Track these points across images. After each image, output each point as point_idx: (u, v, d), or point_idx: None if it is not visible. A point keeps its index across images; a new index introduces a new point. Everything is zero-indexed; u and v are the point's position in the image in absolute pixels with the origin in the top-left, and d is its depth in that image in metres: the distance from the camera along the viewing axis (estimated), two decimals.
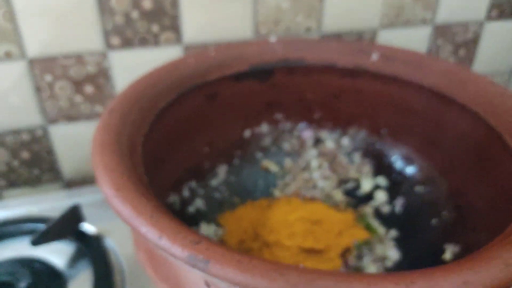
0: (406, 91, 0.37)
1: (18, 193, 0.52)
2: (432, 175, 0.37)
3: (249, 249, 0.34)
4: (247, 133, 0.41)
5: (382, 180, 0.39)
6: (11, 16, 0.42)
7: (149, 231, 0.19)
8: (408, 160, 0.39)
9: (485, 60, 0.62)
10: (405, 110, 0.38)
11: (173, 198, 0.35)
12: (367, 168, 0.40)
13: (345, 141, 0.41)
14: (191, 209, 0.36)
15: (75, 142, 0.51)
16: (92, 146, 0.26)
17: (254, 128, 0.41)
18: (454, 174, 0.36)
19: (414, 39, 0.55)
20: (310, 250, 0.33)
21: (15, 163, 0.50)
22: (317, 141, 0.41)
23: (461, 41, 0.58)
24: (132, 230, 0.21)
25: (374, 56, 0.38)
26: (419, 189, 0.38)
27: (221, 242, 0.34)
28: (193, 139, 0.37)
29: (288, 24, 0.49)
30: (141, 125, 0.30)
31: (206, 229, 0.35)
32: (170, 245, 0.19)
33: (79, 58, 0.46)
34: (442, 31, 0.56)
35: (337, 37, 0.52)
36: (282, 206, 0.37)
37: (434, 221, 0.36)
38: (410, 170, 0.39)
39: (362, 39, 0.51)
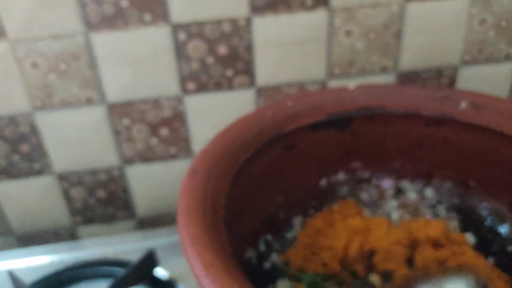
0: (498, 143, 0.35)
1: (93, 230, 0.54)
2: None
3: None
4: (323, 182, 0.39)
5: (470, 237, 0.36)
6: (93, 64, 0.44)
7: None
8: (500, 217, 0.36)
9: None
10: (498, 163, 0.35)
11: (250, 253, 0.34)
12: (454, 223, 0.37)
13: (429, 192, 0.39)
14: (267, 264, 0.35)
15: (150, 182, 0.52)
16: (178, 213, 0.26)
17: (330, 177, 0.39)
18: None
19: (498, 75, 0.52)
20: None
21: (92, 201, 0.52)
22: (398, 192, 0.39)
23: None
24: None
25: (463, 104, 0.36)
26: None
27: None
28: (269, 190, 0.37)
29: (363, 64, 0.48)
30: (223, 185, 0.29)
31: (283, 287, 0.34)
32: None
33: (155, 103, 0.47)
34: None
35: (415, 75, 0.49)
36: None
37: None
38: (502, 228, 0.36)
39: (451, 88, 0.49)
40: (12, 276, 0.41)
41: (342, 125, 0.38)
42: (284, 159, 0.37)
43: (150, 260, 0.41)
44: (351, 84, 0.38)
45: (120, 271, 0.41)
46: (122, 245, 0.48)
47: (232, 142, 0.32)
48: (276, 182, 0.37)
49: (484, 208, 0.37)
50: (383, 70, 0.48)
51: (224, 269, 0.21)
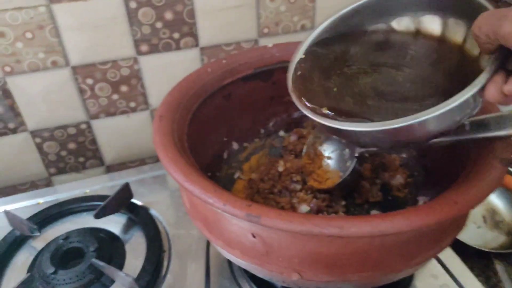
0: None
1: (66, 178, 0.62)
2: None
3: None
4: (255, 122, 0.50)
5: None
6: (56, 31, 0.51)
7: (216, 201, 0.29)
8: None
9: None
10: None
11: None
12: None
13: None
14: None
15: (114, 132, 0.60)
16: (155, 146, 0.34)
17: (260, 118, 0.51)
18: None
19: None
20: None
21: (63, 153, 0.60)
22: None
23: None
24: (195, 203, 0.32)
25: None
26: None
27: None
28: (216, 132, 0.47)
29: (286, 24, 0.58)
30: (183, 126, 0.39)
31: None
32: (232, 209, 0.28)
33: (114, 64, 0.55)
34: None
35: None
36: None
37: (409, 180, 0.46)
38: None
39: None
40: (9, 214, 0.48)
41: (266, 77, 0.48)
42: (225, 106, 0.47)
43: (126, 191, 0.51)
44: (270, 43, 0.48)
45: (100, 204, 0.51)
46: (96, 186, 0.57)
47: (185, 94, 0.42)
48: (220, 125, 0.47)
49: None
50: (303, 28, 0.59)
51: (198, 175, 0.31)
